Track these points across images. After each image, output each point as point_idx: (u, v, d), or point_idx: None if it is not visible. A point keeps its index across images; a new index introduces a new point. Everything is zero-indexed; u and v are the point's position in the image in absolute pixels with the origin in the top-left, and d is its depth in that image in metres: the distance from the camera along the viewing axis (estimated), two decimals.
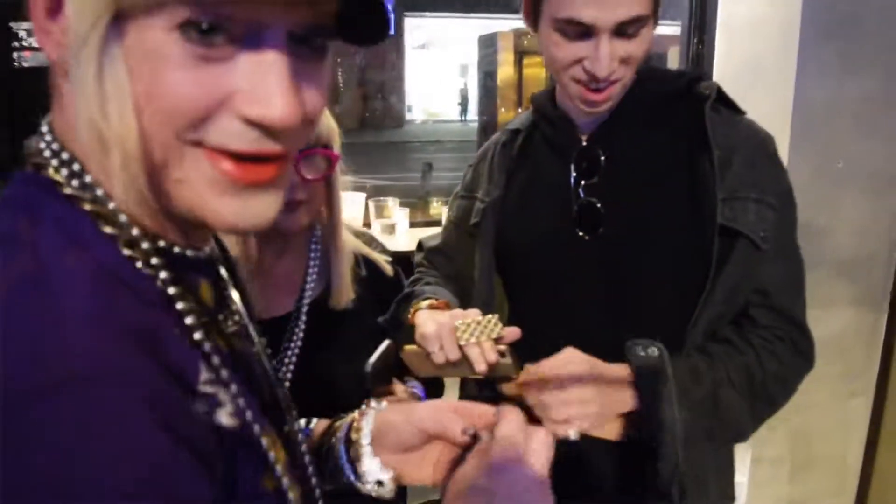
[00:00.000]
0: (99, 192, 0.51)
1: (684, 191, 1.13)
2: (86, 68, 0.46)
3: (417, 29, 21.08)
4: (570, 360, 1.07)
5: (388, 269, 1.46)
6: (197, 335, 0.53)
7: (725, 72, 2.57)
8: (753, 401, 1.13)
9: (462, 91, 24.07)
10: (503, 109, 7.06)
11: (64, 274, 0.46)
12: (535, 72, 7.29)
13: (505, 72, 6.99)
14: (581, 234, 1.17)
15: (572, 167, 1.18)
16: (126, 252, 0.51)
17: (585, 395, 1.05)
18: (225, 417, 0.52)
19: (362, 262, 1.42)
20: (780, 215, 1.14)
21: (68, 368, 0.42)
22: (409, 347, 1.16)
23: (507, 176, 1.27)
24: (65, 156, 0.52)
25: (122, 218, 0.51)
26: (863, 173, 2.35)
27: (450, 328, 1.08)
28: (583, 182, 1.17)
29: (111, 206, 0.51)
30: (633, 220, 1.14)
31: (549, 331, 1.15)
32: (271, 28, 0.48)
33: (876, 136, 2.33)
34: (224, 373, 0.54)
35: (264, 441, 0.56)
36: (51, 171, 0.52)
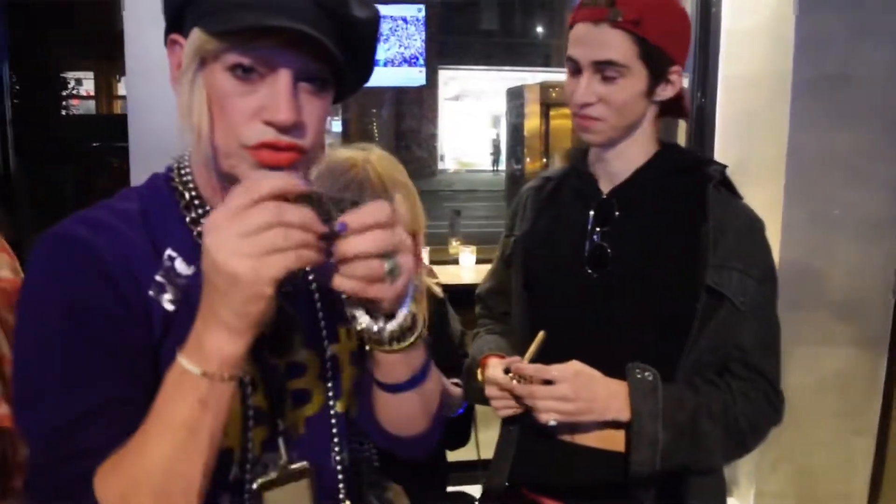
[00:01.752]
0: (188, 178, 0.88)
1: (681, 250, 1.31)
2: (184, 88, 0.81)
3: (452, 80, 21.48)
4: (568, 366, 1.25)
5: (439, 292, 1.66)
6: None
7: (727, 122, 2.73)
8: (727, 434, 1.28)
9: (494, 141, 24.34)
10: (528, 159, 7.22)
11: (121, 206, 0.85)
12: (562, 123, 7.47)
13: (531, 123, 7.15)
14: (590, 271, 1.35)
15: (591, 214, 1.36)
16: (183, 213, 0.86)
17: (565, 393, 1.23)
18: (166, 303, 0.82)
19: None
20: (761, 287, 1.32)
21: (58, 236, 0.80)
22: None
23: (535, 214, 1.47)
24: (185, 163, 0.89)
25: (190, 194, 0.87)
26: (856, 219, 2.48)
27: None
28: (598, 228, 1.36)
29: (190, 186, 0.87)
30: (635, 266, 1.32)
31: (555, 350, 1.32)
32: (283, 68, 0.78)
33: (867, 185, 2.47)
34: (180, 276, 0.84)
35: None
36: (174, 166, 0.90)
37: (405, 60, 8.59)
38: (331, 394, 0.94)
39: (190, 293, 0.81)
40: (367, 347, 0.86)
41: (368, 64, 0.91)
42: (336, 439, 0.94)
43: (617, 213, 1.35)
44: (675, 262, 1.31)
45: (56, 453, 0.72)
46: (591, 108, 1.27)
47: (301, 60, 0.78)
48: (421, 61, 8.01)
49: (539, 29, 18.41)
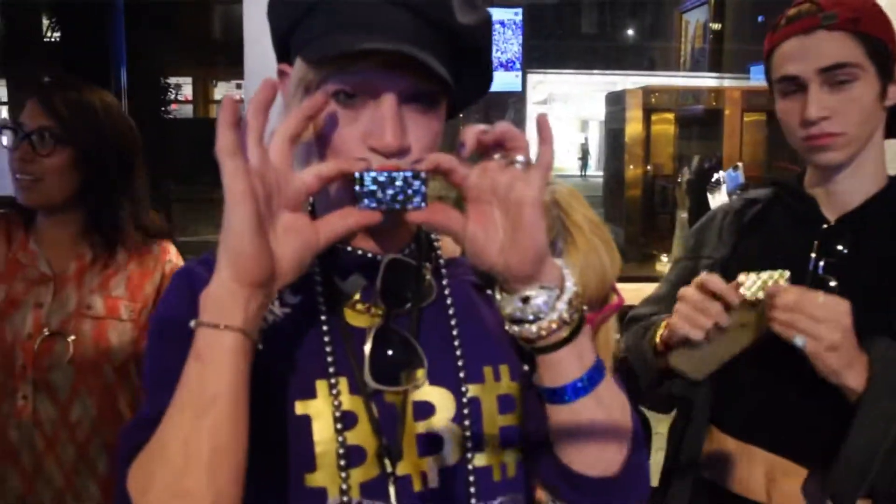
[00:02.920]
0: None
1: None
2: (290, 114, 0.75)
3: (540, 84, 21.33)
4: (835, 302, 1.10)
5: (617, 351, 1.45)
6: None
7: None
8: None
9: (583, 146, 24.04)
10: (631, 166, 7.01)
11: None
12: (663, 129, 7.22)
13: (633, 128, 6.95)
14: None
15: (815, 244, 1.22)
16: None
17: (832, 321, 1.07)
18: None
19: None
20: None
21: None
22: (672, 354, 1.18)
23: (736, 238, 1.33)
24: None
25: None
26: None
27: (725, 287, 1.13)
28: (822, 259, 1.21)
29: None
30: (863, 306, 1.15)
31: (754, 393, 1.21)
32: (385, 92, 0.74)
33: None
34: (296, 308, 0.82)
35: (319, 382, 0.78)
36: None
37: (501, 65, 8.49)
38: (469, 442, 0.80)
39: (276, 326, 0.81)
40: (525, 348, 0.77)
41: (485, 71, 0.86)
42: (473, 493, 0.80)
43: (846, 244, 1.19)
44: None
45: (125, 450, 0.73)
46: (828, 123, 1.13)
47: (405, 80, 0.74)
48: (517, 66, 7.89)
49: (630, 31, 18.06)
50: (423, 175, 0.71)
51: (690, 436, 1.29)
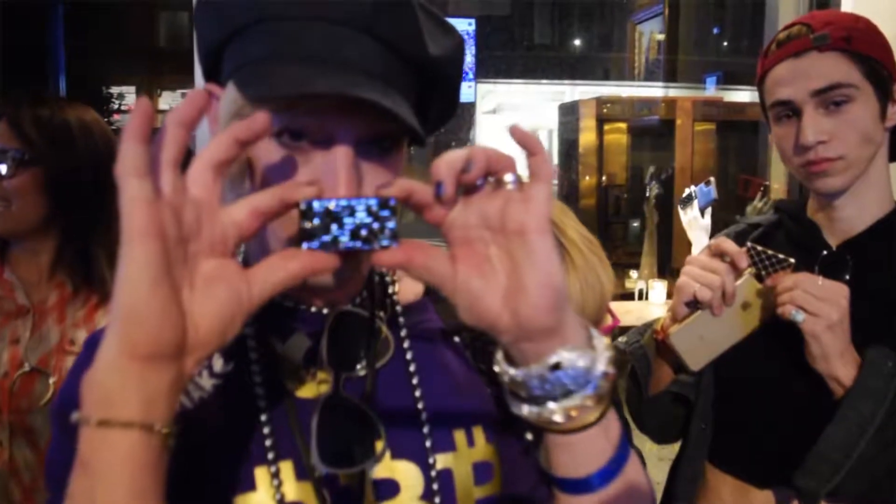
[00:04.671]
0: None
1: None
2: None
3: (489, 94, 21.48)
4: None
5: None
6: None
7: None
8: None
9: None
10: (586, 176, 7.05)
11: None
12: (616, 138, 7.28)
13: (586, 138, 6.99)
14: None
15: (816, 268, 1.19)
16: None
17: (831, 300, 1.05)
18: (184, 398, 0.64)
19: None
20: None
21: None
22: (673, 328, 1.13)
23: None
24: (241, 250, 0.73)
25: None
26: None
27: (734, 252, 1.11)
28: None
29: None
30: (864, 330, 1.13)
31: (753, 415, 1.21)
32: (338, 141, 0.62)
33: None
34: (214, 377, 0.67)
35: (258, 470, 0.67)
36: None
37: None
38: None
39: (204, 403, 0.67)
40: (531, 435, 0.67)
41: (452, 100, 0.75)
42: None
43: (847, 271, 1.15)
44: None
45: None
46: (824, 148, 1.09)
47: (363, 123, 0.63)
48: (470, 76, 7.89)
49: (582, 42, 18.28)
50: (392, 203, 0.56)
51: (684, 473, 1.24)
